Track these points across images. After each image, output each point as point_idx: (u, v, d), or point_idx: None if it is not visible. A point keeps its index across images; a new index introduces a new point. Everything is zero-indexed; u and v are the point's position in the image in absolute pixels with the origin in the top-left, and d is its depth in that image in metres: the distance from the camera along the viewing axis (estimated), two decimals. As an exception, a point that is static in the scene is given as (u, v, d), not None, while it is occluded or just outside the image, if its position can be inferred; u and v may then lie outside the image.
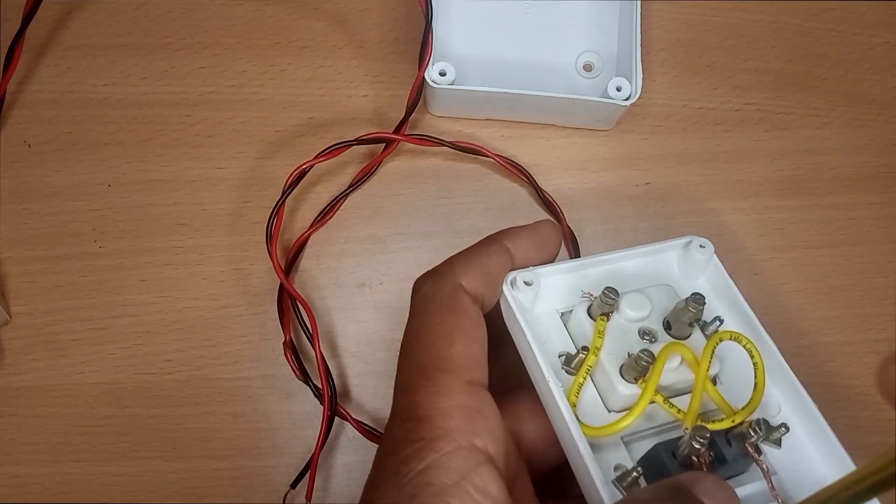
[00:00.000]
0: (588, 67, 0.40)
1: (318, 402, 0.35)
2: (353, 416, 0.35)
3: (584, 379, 0.26)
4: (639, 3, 0.38)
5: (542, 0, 0.40)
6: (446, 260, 0.27)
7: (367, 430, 0.35)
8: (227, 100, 0.39)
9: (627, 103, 0.36)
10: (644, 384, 0.25)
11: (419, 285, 0.27)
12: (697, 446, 0.23)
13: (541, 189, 0.38)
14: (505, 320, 0.28)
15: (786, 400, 0.27)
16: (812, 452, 0.26)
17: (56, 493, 0.35)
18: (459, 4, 0.40)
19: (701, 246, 0.29)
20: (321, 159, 0.36)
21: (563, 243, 0.30)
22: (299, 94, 0.40)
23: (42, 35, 0.39)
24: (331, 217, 0.38)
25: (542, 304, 0.28)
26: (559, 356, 0.27)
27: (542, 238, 0.29)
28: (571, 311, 0.28)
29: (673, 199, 0.39)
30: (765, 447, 0.26)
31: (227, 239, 0.38)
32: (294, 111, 0.40)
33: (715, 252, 0.29)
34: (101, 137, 0.39)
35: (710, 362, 0.25)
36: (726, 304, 0.29)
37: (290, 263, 0.37)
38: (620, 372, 0.26)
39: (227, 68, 0.40)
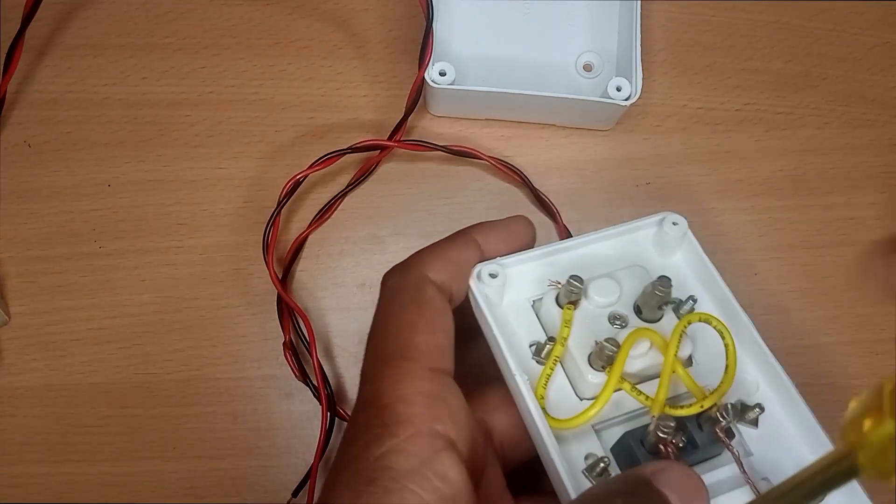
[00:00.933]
0: (588, 67, 0.40)
1: (318, 403, 0.35)
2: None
3: (552, 370, 0.26)
4: (639, 3, 0.38)
5: (542, 0, 0.40)
6: (414, 253, 0.28)
7: None
8: (227, 100, 0.39)
9: (627, 103, 0.36)
10: (609, 372, 0.25)
11: (386, 277, 0.27)
12: (663, 435, 0.23)
13: (536, 189, 0.38)
14: (474, 313, 0.27)
15: (764, 379, 0.27)
16: (791, 431, 0.25)
17: (56, 493, 0.35)
18: (459, 4, 0.40)
19: (674, 223, 0.28)
20: (315, 169, 0.36)
21: (535, 238, 0.29)
22: (299, 94, 0.40)
23: (42, 35, 0.39)
24: (328, 217, 0.38)
25: (512, 293, 0.28)
26: (530, 346, 0.27)
27: (513, 232, 0.29)
28: (542, 298, 0.28)
29: (673, 199, 0.39)
30: (742, 427, 0.25)
31: (227, 239, 0.38)
32: (294, 111, 0.40)
33: (689, 228, 0.29)
34: (101, 137, 0.39)
35: (678, 346, 0.25)
36: (703, 281, 0.28)
37: (287, 265, 0.37)
38: (588, 360, 0.26)
39: (227, 68, 0.40)
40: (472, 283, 0.27)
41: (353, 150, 0.37)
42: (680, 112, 0.41)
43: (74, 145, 0.38)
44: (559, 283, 0.27)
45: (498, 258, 0.27)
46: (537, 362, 0.27)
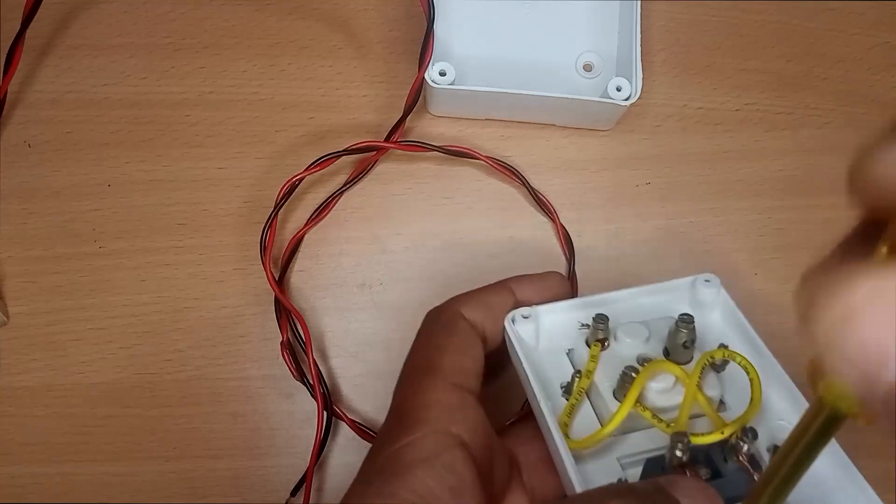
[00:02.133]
0: (588, 67, 0.40)
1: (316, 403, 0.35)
2: (349, 417, 0.35)
3: (577, 401, 0.27)
4: (639, 3, 0.38)
5: (542, 0, 0.40)
6: (453, 297, 0.30)
7: (362, 430, 0.35)
8: (227, 100, 0.39)
9: (627, 103, 0.36)
10: (626, 395, 0.25)
11: (427, 315, 0.29)
12: (679, 454, 0.23)
13: (534, 189, 0.38)
14: (510, 356, 0.29)
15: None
16: (822, 473, 0.25)
17: (56, 493, 0.35)
18: (459, 4, 0.40)
19: (706, 280, 0.29)
20: (311, 171, 0.36)
21: (570, 291, 0.31)
22: (299, 94, 0.40)
23: (42, 35, 0.39)
24: (325, 216, 0.38)
25: (547, 341, 0.29)
26: (561, 386, 0.28)
27: (547, 285, 0.30)
28: (575, 347, 0.29)
29: (673, 199, 0.39)
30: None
31: (227, 239, 0.38)
32: (294, 111, 0.40)
33: (722, 285, 0.29)
34: (101, 137, 0.39)
35: (700, 375, 0.26)
36: (740, 336, 0.29)
37: (284, 265, 0.37)
38: (613, 393, 0.26)
39: (227, 68, 0.40)
40: (507, 323, 0.28)
41: (349, 151, 0.37)
42: (680, 112, 0.41)
43: (74, 145, 0.38)
44: (588, 325, 0.28)
45: (533, 307, 0.29)
46: (567, 400, 0.28)
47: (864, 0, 0.42)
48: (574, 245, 0.38)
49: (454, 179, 0.39)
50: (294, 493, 0.35)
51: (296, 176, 0.36)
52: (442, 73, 0.36)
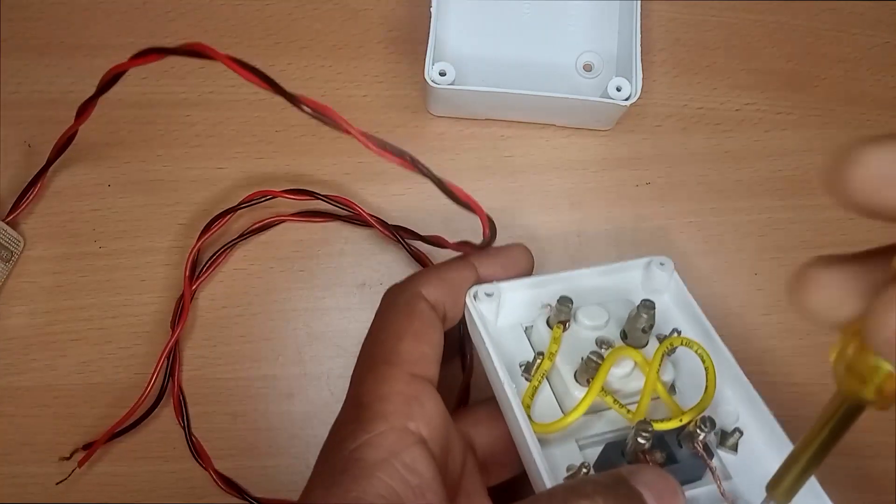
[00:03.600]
0: (588, 67, 0.40)
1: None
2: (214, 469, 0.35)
3: (539, 382, 0.27)
4: (639, 3, 0.38)
5: (542, 0, 0.40)
6: (413, 273, 0.29)
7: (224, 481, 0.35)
8: (227, 100, 0.39)
9: (627, 103, 0.36)
10: (591, 381, 0.26)
11: (385, 294, 0.29)
12: (642, 441, 0.24)
13: (410, 246, 0.38)
14: (469, 332, 0.29)
15: (745, 410, 0.27)
16: (769, 458, 0.26)
17: (56, 493, 0.35)
18: (459, 4, 0.40)
19: (661, 264, 0.30)
20: (206, 237, 0.36)
21: (533, 265, 0.31)
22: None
23: (42, 35, 0.39)
24: (213, 268, 0.37)
25: (506, 317, 0.29)
26: (520, 365, 0.28)
27: (511, 258, 0.30)
28: (534, 324, 0.29)
29: (673, 199, 0.39)
30: (721, 453, 0.26)
31: (227, 239, 0.38)
32: (294, 111, 0.39)
33: (675, 269, 0.30)
34: (101, 137, 0.39)
35: (660, 363, 0.26)
36: (689, 319, 0.29)
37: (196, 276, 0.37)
38: (574, 376, 0.27)
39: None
40: (468, 300, 0.28)
41: (239, 207, 0.37)
42: (680, 112, 0.41)
43: (75, 145, 0.38)
44: (550, 306, 0.28)
45: (494, 282, 0.29)
46: (526, 380, 0.28)
47: (864, 0, 0.42)
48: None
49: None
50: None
51: (195, 245, 0.36)
52: (442, 73, 0.36)
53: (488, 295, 0.28)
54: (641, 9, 0.38)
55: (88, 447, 0.34)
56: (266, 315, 0.37)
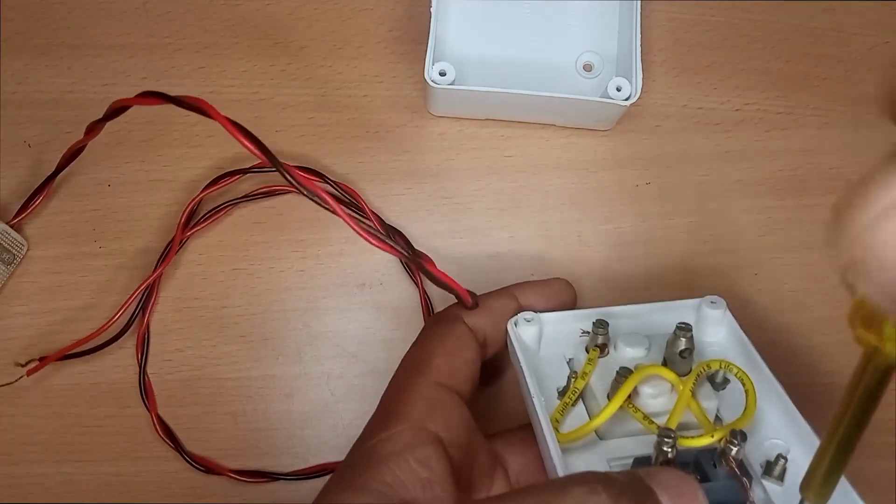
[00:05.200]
0: (588, 67, 0.40)
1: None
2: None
3: (571, 399, 0.27)
4: (639, 3, 0.38)
5: (542, 0, 0.40)
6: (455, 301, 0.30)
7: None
8: (227, 100, 0.39)
9: (627, 103, 0.36)
10: (618, 391, 0.25)
11: (428, 320, 0.30)
12: (665, 448, 0.23)
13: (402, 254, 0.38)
14: (511, 358, 0.29)
15: (796, 442, 0.26)
16: None
17: (56, 493, 0.35)
18: (459, 4, 0.40)
19: (712, 302, 0.29)
20: (210, 191, 0.37)
21: (575, 298, 0.32)
22: (299, 94, 0.40)
23: (42, 35, 0.39)
24: (210, 221, 0.38)
25: (547, 348, 0.29)
26: (557, 390, 0.28)
27: (552, 291, 0.31)
28: (575, 355, 0.29)
29: (673, 199, 0.39)
30: (767, 483, 0.25)
31: (227, 239, 0.38)
32: (294, 111, 0.40)
33: (727, 308, 0.29)
34: (101, 137, 0.38)
35: (694, 381, 0.26)
36: (743, 359, 0.29)
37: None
38: (608, 396, 0.26)
39: (227, 68, 0.40)
40: (509, 326, 0.29)
41: (253, 169, 0.38)
42: (680, 112, 0.41)
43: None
44: (588, 332, 0.28)
45: (536, 312, 0.29)
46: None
47: (864, 0, 0.42)
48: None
49: (455, 179, 0.39)
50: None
51: (193, 199, 0.37)
52: (442, 73, 0.36)
53: (528, 321, 0.29)
54: (641, 9, 0.38)
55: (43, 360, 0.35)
56: (266, 315, 0.37)
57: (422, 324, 0.36)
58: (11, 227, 0.36)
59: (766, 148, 0.40)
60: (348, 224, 0.26)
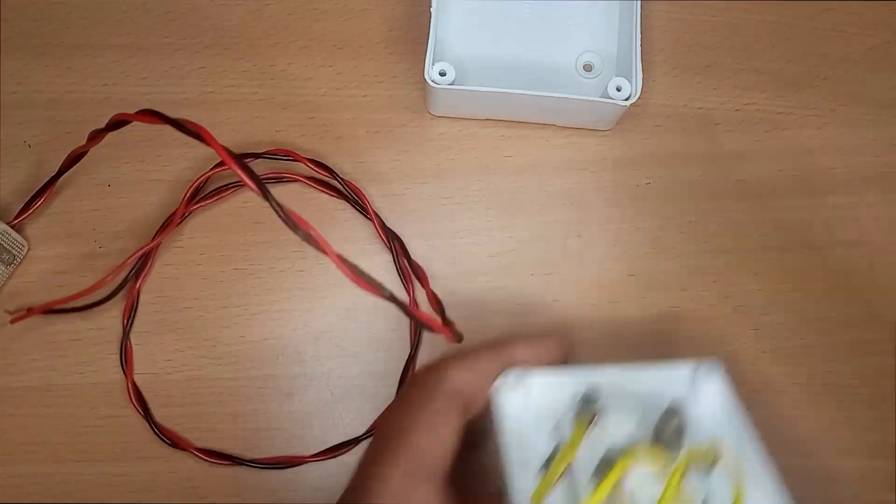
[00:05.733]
0: (588, 67, 0.40)
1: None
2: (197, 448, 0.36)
3: (554, 480, 0.26)
4: (639, 3, 0.38)
5: (542, 0, 0.40)
6: (444, 355, 0.29)
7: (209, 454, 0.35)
8: (227, 100, 0.39)
9: (627, 103, 0.36)
10: (603, 480, 0.24)
11: (413, 375, 0.30)
12: None
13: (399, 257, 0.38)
14: (493, 425, 0.28)
15: None
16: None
17: (56, 493, 0.35)
18: (459, 4, 0.40)
19: (709, 368, 0.28)
20: (217, 170, 0.37)
21: (569, 354, 0.30)
22: (299, 94, 0.40)
23: (42, 35, 0.39)
24: (215, 199, 0.38)
25: (536, 408, 0.28)
26: (544, 461, 0.27)
27: (545, 348, 0.30)
28: (563, 417, 0.28)
29: (673, 199, 0.39)
30: None
31: (227, 239, 0.38)
32: (294, 111, 0.40)
33: (725, 373, 0.28)
34: (101, 137, 0.39)
35: (682, 474, 0.25)
36: (734, 430, 0.28)
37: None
38: (594, 474, 0.25)
39: (227, 68, 0.40)
40: (493, 392, 0.28)
41: (266, 155, 0.38)
42: (680, 112, 0.41)
43: (74, 145, 0.38)
44: (579, 400, 0.28)
45: (525, 370, 0.28)
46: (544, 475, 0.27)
47: (864, 0, 0.42)
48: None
49: (456, 179, 0.39)
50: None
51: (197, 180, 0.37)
52: (442, 73, 0.36)
53: (514, 385, 0.28)
54: (641, 9, 0.38)
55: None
56: (266, 315, 0.37)
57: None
58: (12, 227, 0.36)
59: (766, 148, 0.40)
60: (338, 266, 0.25)
